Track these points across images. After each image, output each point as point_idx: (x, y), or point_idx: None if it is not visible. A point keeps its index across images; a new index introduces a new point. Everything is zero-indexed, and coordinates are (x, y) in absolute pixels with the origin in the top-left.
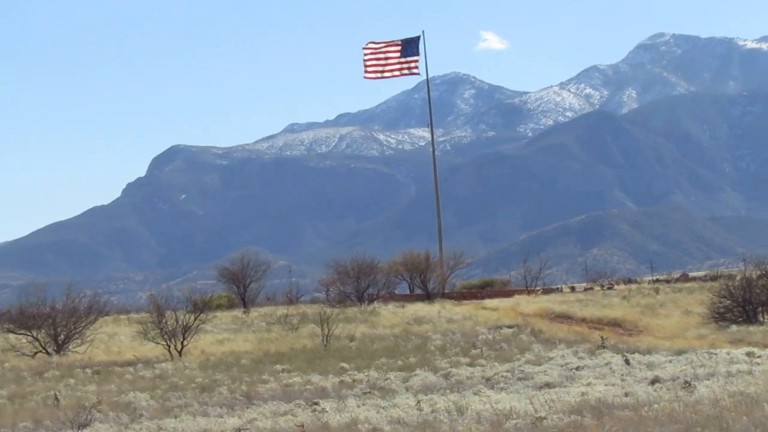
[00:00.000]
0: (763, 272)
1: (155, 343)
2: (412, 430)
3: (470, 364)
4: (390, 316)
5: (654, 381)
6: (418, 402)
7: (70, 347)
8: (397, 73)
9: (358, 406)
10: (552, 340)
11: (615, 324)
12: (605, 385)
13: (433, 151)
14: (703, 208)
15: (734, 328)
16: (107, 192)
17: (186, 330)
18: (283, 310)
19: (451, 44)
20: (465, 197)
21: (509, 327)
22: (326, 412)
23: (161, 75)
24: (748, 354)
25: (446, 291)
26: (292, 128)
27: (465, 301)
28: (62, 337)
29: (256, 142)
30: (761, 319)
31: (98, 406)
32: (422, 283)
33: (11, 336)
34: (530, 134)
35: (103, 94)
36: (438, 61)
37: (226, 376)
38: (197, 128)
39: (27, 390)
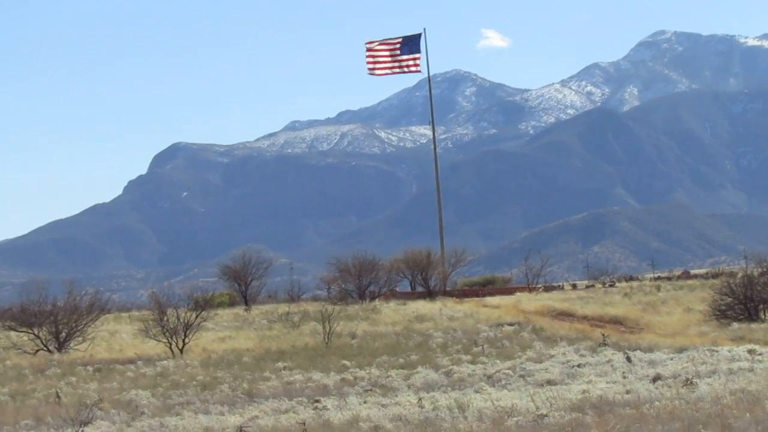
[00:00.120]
0: (765, 269)
1: (156, 340)
2: (414, 428)
3: (472, 362)
4: (391, 313)
5: (655, 378)
6: (420, 399)
7: (72, 345)
8: (398, 70)
9: (360, 404)
10: (553, 338)
11: (616, 321)
12: (606, 382)
13: (435, 149)
14: (704, 205)
15: (736, 325)
16: (108, 190)
17: (187, 328)
18: (285, 307)
19: (453, 42)
20: (466, 195)
21: (510, 324)
22: (328, 409)
23: (163, 73)
24: (750, 351)
25: (448, 288)
26: (293, 126)
27: (466, 299)
28: (64, 334)
29: (258, 139)
30: (763, 316)
31: (100, 403)
32: (424, 280)
33: (13, 333)
34: (532, 132)
35: (105, 92)
36: (439, 58)
37: (228, 373)
38: (199, 126)
39: (28, 387)
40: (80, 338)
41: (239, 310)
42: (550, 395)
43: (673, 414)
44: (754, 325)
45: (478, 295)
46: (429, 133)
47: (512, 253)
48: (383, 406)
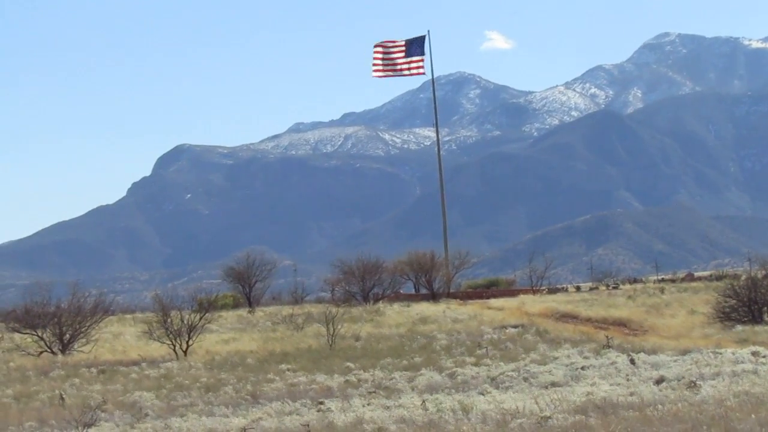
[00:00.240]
0: None
1: (160, 342)
2: (418, 430)
3: (475, 364)
4: (395, 315)
5: (659, 381)
6: (424, 401)
7: (76, 347)
8: (406, 72)
9: (364, 406)
10: (557, 340)
11: (620, 324)
12: (610, 384)
13: (438, 151)
14: (708, 207)
15: (739, 327)
16: (112, 192)
17: (191, 329)
18: (289, 309)
19: (457, 44)
20: (470, 197)
21: (514, 327)
22: (331, 411)
23: (167, 75)
24: (754, 354)
25: (451, 291)
26: (297, 128)
27: (470, 301)
28: (67, 336)
29: (262, 141)
30: (766, 318)
31: (103, 405)
32: (427, 282)
33: (17, 335)
34: (535, 134)
35: (109, 94)
36: (443, 60)
37: (232, 375)
38: (202, 128)
39: (32, 389)
40: (84, 340)
41: (243, 312)
42: (554, 397)
43: (676, 416)
44: (758, 328)
45: (481, 297)
46: (433, 135)
47: (516, 255)
48: (387, 408)
